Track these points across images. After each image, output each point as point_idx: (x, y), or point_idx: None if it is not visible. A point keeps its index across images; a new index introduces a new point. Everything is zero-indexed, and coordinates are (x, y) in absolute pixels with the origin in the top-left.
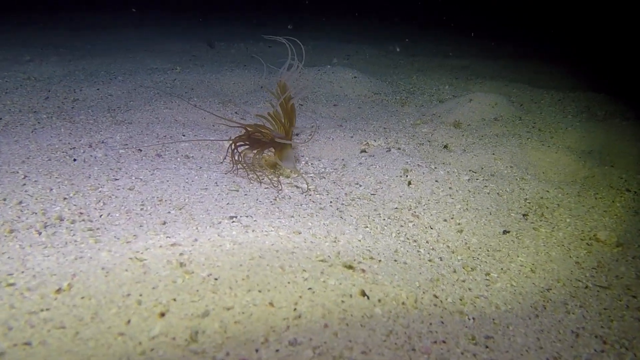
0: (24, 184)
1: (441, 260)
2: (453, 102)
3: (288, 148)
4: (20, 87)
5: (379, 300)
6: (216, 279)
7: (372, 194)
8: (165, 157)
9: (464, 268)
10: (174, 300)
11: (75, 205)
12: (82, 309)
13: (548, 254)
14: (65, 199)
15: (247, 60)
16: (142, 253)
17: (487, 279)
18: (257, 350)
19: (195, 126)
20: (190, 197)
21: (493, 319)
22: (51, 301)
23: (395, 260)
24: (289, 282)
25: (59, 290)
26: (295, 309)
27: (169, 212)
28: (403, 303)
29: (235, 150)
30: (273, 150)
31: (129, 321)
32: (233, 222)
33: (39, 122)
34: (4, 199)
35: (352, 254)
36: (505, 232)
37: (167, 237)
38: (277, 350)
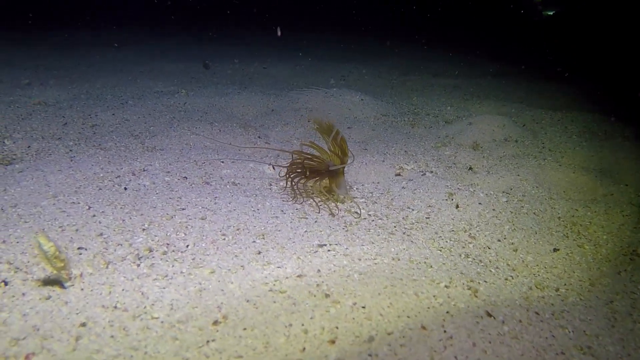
0: (94, 215)
1: (513, 278)
2: (461, 123)
3: (341, 175)
4: (34, 113)
5: (503, 321)
6: (364, 307)
7: (426, 218)
8: (213, 184)
9: (536, 286)
10: (336, 328)
11: (156, 236)
12: (250, 340)
13: (600, 269)
14: (143, 229)
15: (246, 82)
16: (274, 284)
17: (559, 295)
18: None
19: (228, 151)
20: (265, 225)
21: (584, 331)
22: (213, 333)
23: (486, 281)
24: (428, 308)
25: (216, 323)
26: (445, 331)
27: (254, 241)
28: (520, 321)
29: (289, 177)
30: (322, 177)
31: (303, 349)
32: (329, 250)
33: (70, 150)
34: (77, 230)
35: (459, 276)
36: (555, 249)
37: (277, 267)
38: None
